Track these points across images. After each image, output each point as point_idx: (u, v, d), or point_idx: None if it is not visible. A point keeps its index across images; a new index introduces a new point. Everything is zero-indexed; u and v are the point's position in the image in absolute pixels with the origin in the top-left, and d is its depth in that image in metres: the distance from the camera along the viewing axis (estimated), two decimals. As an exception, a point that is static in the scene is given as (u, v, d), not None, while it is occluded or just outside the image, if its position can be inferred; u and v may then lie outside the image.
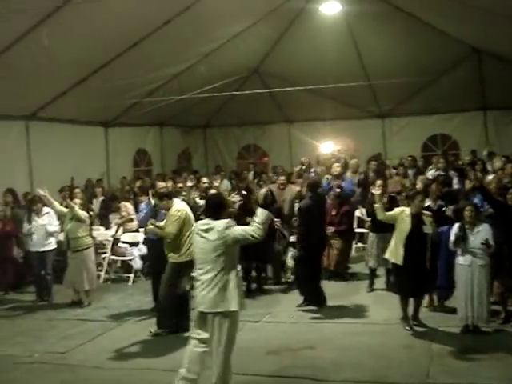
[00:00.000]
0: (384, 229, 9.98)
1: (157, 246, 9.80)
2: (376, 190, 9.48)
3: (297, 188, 12.87)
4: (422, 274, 8.67)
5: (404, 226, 8.66)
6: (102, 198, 14.77)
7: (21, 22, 10.83)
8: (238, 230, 6.32)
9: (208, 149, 23.16)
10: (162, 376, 7.32)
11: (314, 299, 9.99)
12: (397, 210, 9.05)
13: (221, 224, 6.31)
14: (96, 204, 14.44)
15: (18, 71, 12.43)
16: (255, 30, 15.46)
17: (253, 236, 6.22)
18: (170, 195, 9.22)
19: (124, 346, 8.45)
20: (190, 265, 8.56)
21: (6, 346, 8.66)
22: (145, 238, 11.86)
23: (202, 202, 10.97)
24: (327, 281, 11.13)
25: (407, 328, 8.67)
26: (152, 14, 12.38)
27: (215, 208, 6.53)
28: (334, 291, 10.53)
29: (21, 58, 11.89)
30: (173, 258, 8.77)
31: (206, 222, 6.46)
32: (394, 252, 8.77)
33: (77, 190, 12.33)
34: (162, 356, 8.01)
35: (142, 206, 10.80)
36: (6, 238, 11.86)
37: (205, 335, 6.45)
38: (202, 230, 6.42)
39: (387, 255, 9.03)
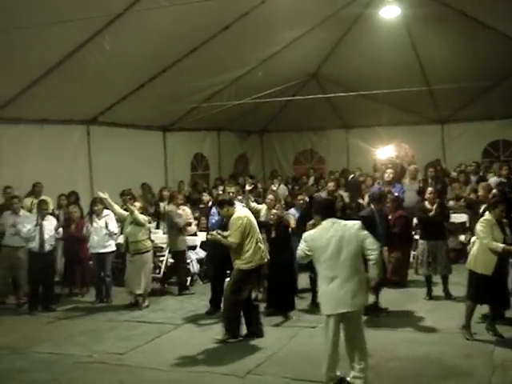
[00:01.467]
0: (435, 236, 9.77)
1: (218, 249, 9.96)
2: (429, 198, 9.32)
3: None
4: (504, 282, 8.47)
5: (497, 234, 8.34)
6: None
7: (83, 29, 11.05)
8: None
9: (265, 154, 23.22)
10: (220, 379, 7.37)
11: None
12: (484, 221, 8.57)
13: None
14: (164, 207, 14.47)
15: (80, 77, 12.70)
16: (313, 34, 15.40)
17: None
18: (231, 202, 9.06)
19: (181, 348, 8.52)
20: (254, 272, 8.59)
21: (67, 346, 8.84)
22: (203, 242, 12.00)
23: (260, 207, 10.98)
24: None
25: (468, 337, 8.47)
26: (211, 20, 12.48)
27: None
28: (391, 298, 10.39)
29: (83, 64, 12.14)
30: (237, 264, 8.72)
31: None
32: (482, 262, 8.37)
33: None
34: (220, 360, 8.05)
35: (214, 210, 10.76)
36: (75, 240, 12.04)
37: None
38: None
39: (470, 266, 8.59)
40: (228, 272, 9.84)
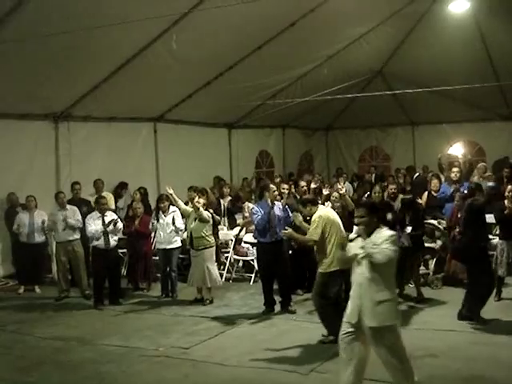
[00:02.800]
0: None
1: (266, 247, 10.07)
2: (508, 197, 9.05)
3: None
4: None
5: None
6: (229, 198, 14.92)
7: (150, 29, 11.24)
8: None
9: (330, 151, 23.14)
10: (283, 376, 7.35)
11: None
12: None
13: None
14: (224, 204, 14.63)
15: (148, 75, 12.93)
16: (380, 30, 15.25)
17: None
18: (314, 201, 8.95)
19: (245, 344, 8.54)
20: (337, 275, 8.47)
21: (134, 339, 8.99)
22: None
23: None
24: (452, 287, 10.87)
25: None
26: (277, 17, 12.49)
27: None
28: (456, 298, 10.17)
29: (150, 62, 12.36)
30: (320, 267, 8.59)
31: None
32: None
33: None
34: (284, 356, 8.03)
35: (256, 208, 10.39)
36: (140, 236, 12.22)
37: None
38: None
39: None
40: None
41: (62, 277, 11.89)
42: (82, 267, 11.80)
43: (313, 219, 8.63)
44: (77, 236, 11.77)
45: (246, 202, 13.79)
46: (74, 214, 11.75)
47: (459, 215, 11.17)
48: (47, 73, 11.46)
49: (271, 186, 10.63)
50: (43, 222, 12.16)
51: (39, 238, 12.38)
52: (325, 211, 8.75)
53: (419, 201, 12.12)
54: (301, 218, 9.02)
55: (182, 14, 11.02)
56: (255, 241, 11.12)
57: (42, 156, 13.52)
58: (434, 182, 13.20)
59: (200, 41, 12.30)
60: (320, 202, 9.64)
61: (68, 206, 11.85)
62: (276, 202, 10.20)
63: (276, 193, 10.33)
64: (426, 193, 13.17)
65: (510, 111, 19.10)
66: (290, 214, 9.92)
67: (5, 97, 11.76)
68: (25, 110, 12.82)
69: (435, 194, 12.98)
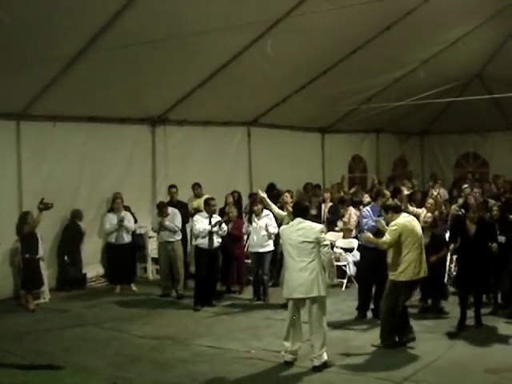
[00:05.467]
0: None
1: (368, 253, 9.93)
2: None
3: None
4: None
5: None
6: (330, 204, 14.70)
7: (246, 34, 11.36)
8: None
9: (424, 156, 22.68)
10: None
11: None
12: None
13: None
14: (324, 209, 14.54)
15: (242, 80, 13.08)
16: (479, 32, 14.79)
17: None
18: (397, 208, 8.85)
19: (337, 349, 8.44)
20: (407, 285, 8.38)
21: (226, 340, 9.11)
22: (359, 245, 11.86)
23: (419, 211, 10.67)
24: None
25: None
26: (372, 21, 12.35)
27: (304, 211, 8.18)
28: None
29: (245, 67, 12.49)
30: (391, 275, 8.56)
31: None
32: None
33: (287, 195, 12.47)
34: (376, 364, 8.00)
35: (368, 212, 10.19)
36: (233, 239, 12.32)
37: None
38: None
39: None
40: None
41: (164, 275, 12.31)
42: (179, 267, 12.11)
43: (390, 225, 8.60)
44: (178, 237, 12.10)
45: (351, 207, 13.57)
46: (173, 218, 12.06)
47: None
48: (146, 78, 11.79)
49: (385, 191, 10.56)
50: (122, 220, 12.59)
51: (127, 238, 12.77)
52: (404, 219, 8.63)
53: None
54: (384, 222, 8.88)
55: (276, 20, 11.09)
56: (350, 246, 11.03)
57: (140, 159, 13.94)
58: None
59: (294, 45, 12.33)
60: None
61: (170, 209, 12.15)
62: None
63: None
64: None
65: None
66: None
67: (106, 101, 12.21)
68: (124, 114, 13.25)
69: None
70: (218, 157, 15.27)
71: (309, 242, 7.80)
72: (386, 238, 8.52)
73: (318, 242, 7.78)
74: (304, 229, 7.91)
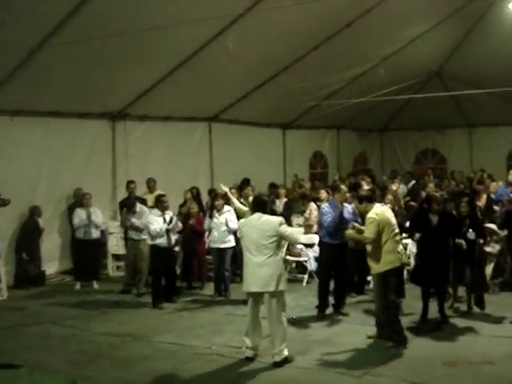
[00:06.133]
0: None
1: (328, 249, 10.00)
2: None
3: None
4: None
5: None
6: (284, 200, 14.80)
7: (207, 30, 11.35)
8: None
9: (384, 152, 22.92)
10: (335, 378, 7.34)
11: None
12: None
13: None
14: (279, 205, 14.58)
15: (203, 76, 13.06)
16: (438, 31, 15.03)
17: None
18: (371, 198, 8.79)
19: (297, 345, 8.47)
20: (393, 273, 8.40)
21: (188, 337, 9.05)
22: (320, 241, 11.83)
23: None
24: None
25: None
26: (333, 18, 12.45)
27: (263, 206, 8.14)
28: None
29: (206, 63, 12.49)
30: (374, 269, 8.51)
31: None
32: None
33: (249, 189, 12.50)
34: (337, 358, 7.98)
35: (326, 209, 10.14)
36: (194, 234, 12.29)
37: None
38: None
39: None
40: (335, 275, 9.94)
41: (128, 271, 12.23)
42: (143, 266, 11.96)
43: (368, 217, 8.53)
44: (144, 236, 11.87)
45: (312, 202, 13.56)
46: (141, 216, 11.85)
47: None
48: (106, 72, 11.68)
49: (342, 186, 10.54)
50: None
51: (95, 234, 12.65)
52: (380, 209, 8.63)
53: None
54: (358, 225, 8.88)
55: (238, 15, 11.08)
56: (311, 242, 11.04)
57: (100, 155, 13.81)
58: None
59: (256, 41, 12.35)
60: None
61: (138, 207, 12.04)
62: (345, 204, 10.13)
63: (347, 194, 10.24)
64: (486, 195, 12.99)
65: None
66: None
67: (65, 96, 12.05)
68: (84, 109, 13.10)
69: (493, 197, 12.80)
70: (179, 152, 15.20)
71: (268, 235, 7.80)
72: (367, 232, 8.47)
73: (277, 236, 7.79)
74: (263, 223, 7.92)
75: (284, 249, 8.04)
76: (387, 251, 8.35)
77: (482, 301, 9.84)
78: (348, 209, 10.07)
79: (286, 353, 7.79)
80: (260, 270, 7.81)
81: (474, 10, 14.53)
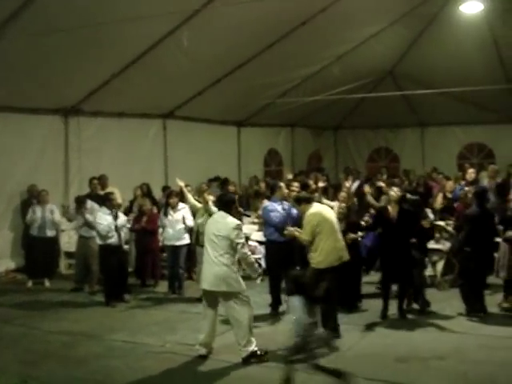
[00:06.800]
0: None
1: (274, 248, 10.08)
2: None
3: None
4: None
5: None
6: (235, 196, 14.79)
7: (161, 25, 11.29)
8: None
9: (338, 151, 23.11)
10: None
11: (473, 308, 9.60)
12: None
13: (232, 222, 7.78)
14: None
15: (158, 72, 13.00)
16: (391, 31, 15.22)
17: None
18: (308, 199, 8.96)
19: (256, 342, 8.49)
20: (329, 272, 8.45)
21: (141, 335, 9.01)
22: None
23: (332, 204, 10.84)
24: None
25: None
26: (288, 16, 12.50)
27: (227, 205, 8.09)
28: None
29: (161, 59, 12.42)
30: (312, 262, 8.63)
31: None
32: None
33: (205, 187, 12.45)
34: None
35: (276, 206, 10.18)
36: (147, 232, 12.24)
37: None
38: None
39: None
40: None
41: (79, 269, 12.07)
42: (94, 264, 11.78)
43: (305, 217, 8.70)
44: (94, 233, 11.74)
45: (265, 200, 13.56)
46: (92, 213, 11.70)
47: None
48: (58, 68, 11.53)
49: (280, 183, 10.62)
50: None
51: (50, 232, 12.46)
52: (317, 209, 8.79)
53: None
54: (292, 230, 9.01)
55: (193, 12, 11.04)
56: (264, 239, 11.07)
57: (52, 151, 13.61)
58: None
59: (211, 38, 12.33)
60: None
61: (89, 203, 11.97)
62: (283, 202, 10.20)
63: (286, 191, 10.34)
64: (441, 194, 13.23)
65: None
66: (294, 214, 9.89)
67: (17, 90, 11.83)
68: (36, 104, 12.88)
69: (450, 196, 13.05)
70: (133, 149, 15.08)
71: (221, 235, 7.79)
72: (304, 233, 8.64)
73: (228, 238, 7.74)
74: (220, 223, 7.91)
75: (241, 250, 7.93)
76: (325, 249, 8.50)
77: (423, 298, 10.02)
78: (285, 206, 10.14)
79: (250, 348, 7.79)
80: (211, 268, 7.84)
81: (426, 12, 14.75)
